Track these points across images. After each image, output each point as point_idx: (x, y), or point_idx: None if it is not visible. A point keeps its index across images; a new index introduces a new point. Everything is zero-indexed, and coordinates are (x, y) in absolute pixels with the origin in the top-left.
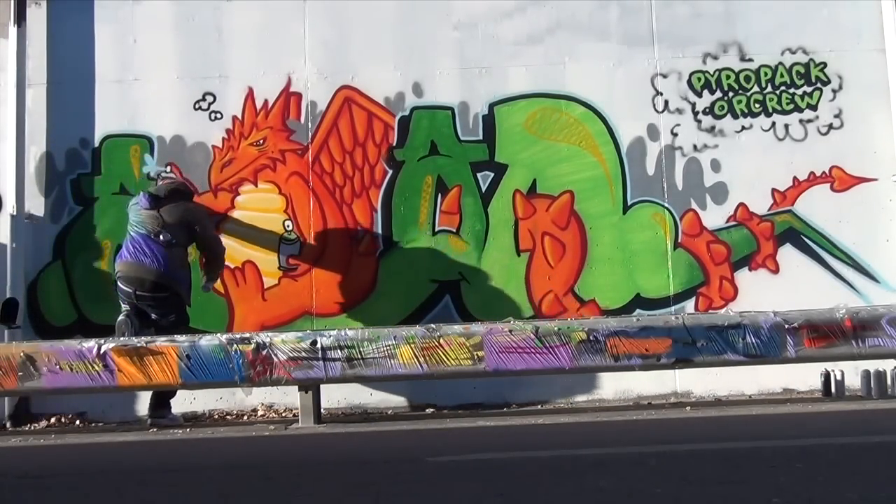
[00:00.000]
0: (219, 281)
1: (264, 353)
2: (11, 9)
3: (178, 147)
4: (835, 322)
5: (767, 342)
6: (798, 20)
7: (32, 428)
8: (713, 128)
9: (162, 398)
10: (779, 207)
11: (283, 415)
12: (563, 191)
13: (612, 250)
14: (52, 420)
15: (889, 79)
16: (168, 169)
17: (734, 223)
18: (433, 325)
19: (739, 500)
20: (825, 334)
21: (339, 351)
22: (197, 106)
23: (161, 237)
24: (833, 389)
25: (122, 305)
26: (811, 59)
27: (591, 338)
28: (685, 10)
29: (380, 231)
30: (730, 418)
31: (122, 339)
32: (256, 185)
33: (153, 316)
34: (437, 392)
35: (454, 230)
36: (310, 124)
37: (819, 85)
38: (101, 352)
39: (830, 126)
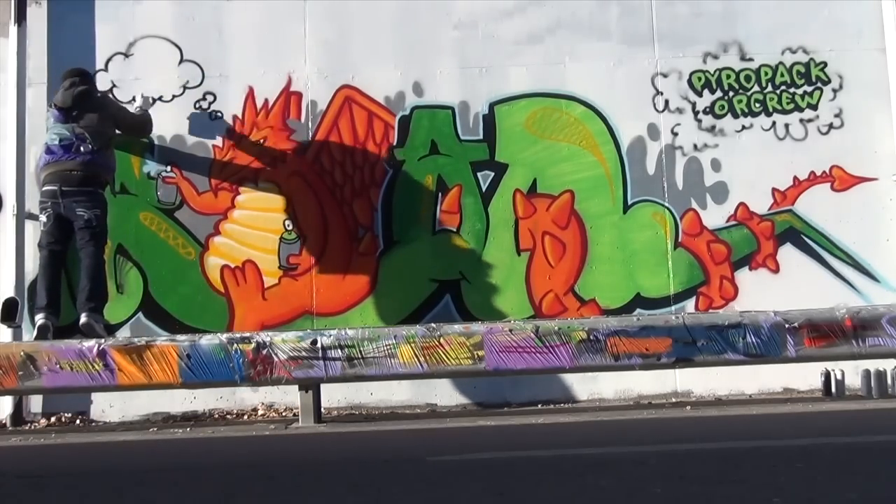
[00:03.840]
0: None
1: (264, 352)
2: (12, 8)
3: (179, 146)
4: (835, 321)
5: (768, 342)
6: (798, 20)
7: (32, 428)
8: (713, 127)
9: (100, 299)
10: (779, 207)
11: (284, 414)
12: (564, 190)
13: (613, 250)
14: (52, 420)
15: (889, 78)
16: (168, 168)
17: (734, 223)
18: (433, 325)
19: (739, 499)
20: (825, 334)
21: (339, 350)
22: (197, 105)
23: (82, 148)
24: (833, 389)
25: (41, 224)
26: (811, 59)
27: (592, 337)
28: (685, 9)
29: (380, 230)
30: (730, 418)
31: (122, 338)
32: (257, 185)
33: (79, 211)
34: (438, 391)
35: (454, 229)
36: (310, 124)
37: (819, 84)
38: (102, 351)
39: (831, 125)
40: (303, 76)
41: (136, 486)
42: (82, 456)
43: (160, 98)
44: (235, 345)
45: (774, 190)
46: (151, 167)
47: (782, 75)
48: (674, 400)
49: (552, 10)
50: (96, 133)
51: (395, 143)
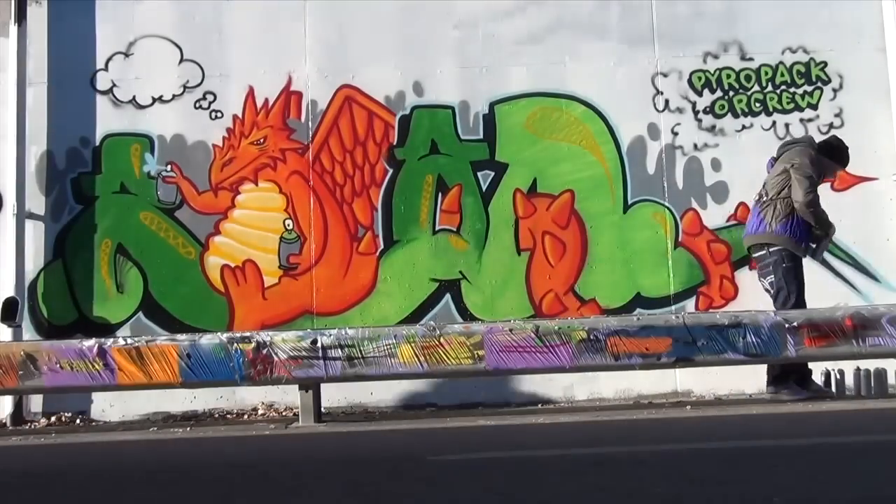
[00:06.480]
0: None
1: (265, 351)
2: (12, 7)
3: (179, 146)
4: (835, 321)
5: (768, 341)
6: (798, 19)
7: (32, 427)
8: (713, 127)
9: None
10: None
11: (284, 414)
12: (564, 190)
13: (613, 249)
14: (52, 420)
15: (889, 78)
16: (168, 168)
17: (734, 222)
18: (433, 324)
19: (740, 499)
20: (826, 333)
21: (339, 350)
22: (197, 105)
23: None
24: (833, 389)
25: None
26: (812, 59)
27: (592, 337)
28: (686, 9)
29: (380, 230)
30: (730, 417)
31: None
32: (257, 184)
33: None
34: (438, 391)
35: (455, 229)
36: (310, 123)
37: (819, 84)
38: (102, 350)
39: (831, 125)
40: (303, 76)
41: (136, 486)
42: (82, 456)
43: (160, 98)
44: (235, 344)
45: None
46: (151, 167)
47: (782, 75)
48: (674, 400)
49: (552, 9)
50: None
51: (395, 143)
